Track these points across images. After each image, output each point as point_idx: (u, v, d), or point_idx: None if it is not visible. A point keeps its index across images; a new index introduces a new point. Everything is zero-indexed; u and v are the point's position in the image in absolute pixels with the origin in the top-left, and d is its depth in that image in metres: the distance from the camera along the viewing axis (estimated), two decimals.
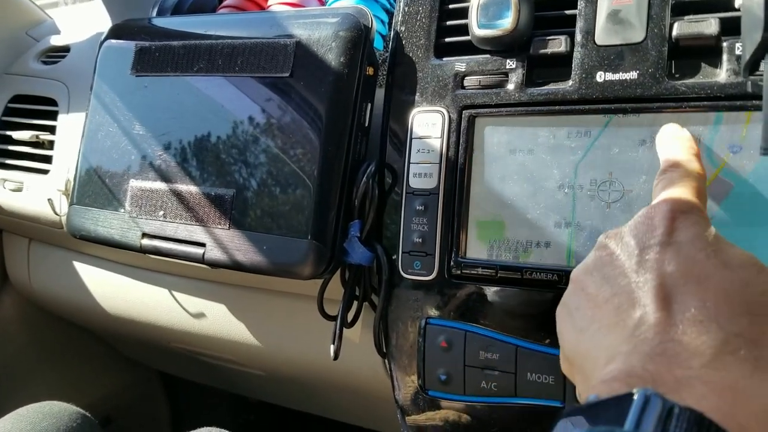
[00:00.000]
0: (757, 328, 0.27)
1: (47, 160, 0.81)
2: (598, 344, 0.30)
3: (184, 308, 0.74)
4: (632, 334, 0.28)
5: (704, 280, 0.29)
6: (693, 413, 0.22)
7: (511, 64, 0.48)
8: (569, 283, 0.36)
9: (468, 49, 0.50)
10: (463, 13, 0.51)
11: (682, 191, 0.34)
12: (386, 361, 0.54)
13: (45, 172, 0.80)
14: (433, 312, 0.49)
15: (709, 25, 0.42)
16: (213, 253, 0.54)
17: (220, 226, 0.55)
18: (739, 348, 0.26)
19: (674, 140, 0.39)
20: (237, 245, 0.53)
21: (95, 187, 0.63)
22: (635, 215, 0.34)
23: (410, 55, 0.53)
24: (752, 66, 0.36)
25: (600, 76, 0.45)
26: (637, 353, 0.27)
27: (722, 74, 0.42)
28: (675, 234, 0.31)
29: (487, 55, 0.49)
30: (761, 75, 0.40)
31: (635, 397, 0.23)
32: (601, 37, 0.45)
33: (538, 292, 0.45)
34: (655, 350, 0.27)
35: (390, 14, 0.66)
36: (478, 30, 0.48)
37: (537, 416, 0.46)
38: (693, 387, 0.24)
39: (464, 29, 0.50)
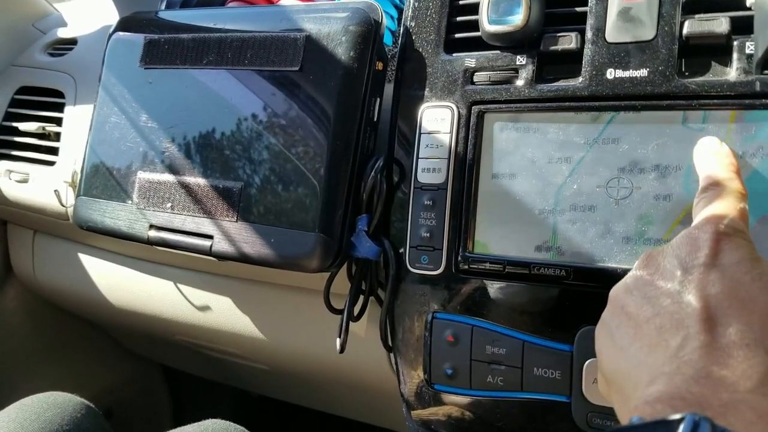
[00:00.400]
0: None
1: (53, 151, 0.81)
2: (639, 364, 0.30)
3: (189, 301, 0.74)
4: (675, 356, 0.28)
5: (750, 303, 0.28)
6: None
7: (521, 60, 0.48)
8: (608, 302, 0.35)
9: (478, 44, 0.50)
10: (474, 8, 0.51)
11: (726, 212, 0.33)
12: (392, 355, 0.54)
13: (51, 163, 0.80)
14: (439, 306, 0.50)
15: (719, 23, 0.42)
16: (220, 245, 0.55)
17: (227, 219, 0.55)
18: None
19: (713, 156, 0.38)
20: (245, 237, 0.54)
21: (103, 178, 0.63)
22: (677, 236, 0.33)
23: (420, 50, 0.53)
24: (764, 64, 0.37)
25: (610, 74, 0.45)
26: (680, 375, 0.27)
27: (732, 72, 0.42)
28: (719, 256, 0.31)
29: (497, 51, 0.50)
30: None
31: (684, 421, 0.22)
32: (612, 35, 0.45)
33: (546, 287, 0.45)
34: (700, 373, 0.26)
35: (399, 10, 0.66)
36: (488, 26, 0.48)
37: (543, 411, 0.46)
38: (740, 412, 0.24)
39: (474, 25, 0.50)
